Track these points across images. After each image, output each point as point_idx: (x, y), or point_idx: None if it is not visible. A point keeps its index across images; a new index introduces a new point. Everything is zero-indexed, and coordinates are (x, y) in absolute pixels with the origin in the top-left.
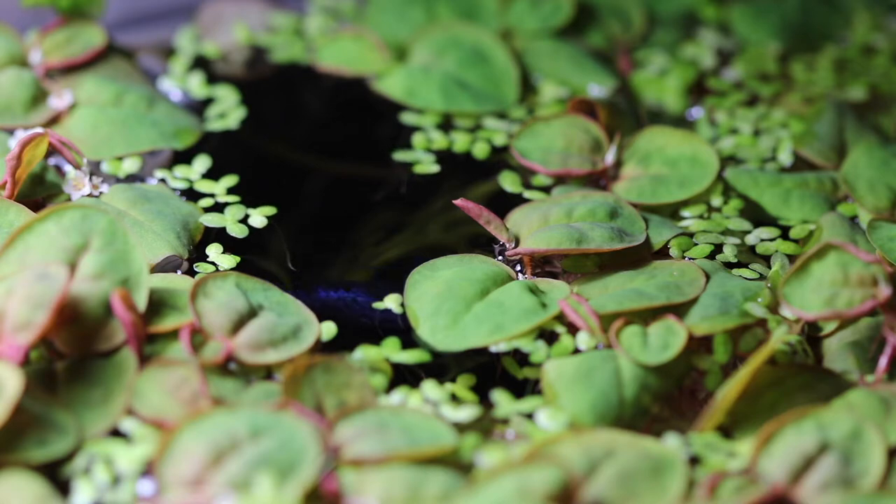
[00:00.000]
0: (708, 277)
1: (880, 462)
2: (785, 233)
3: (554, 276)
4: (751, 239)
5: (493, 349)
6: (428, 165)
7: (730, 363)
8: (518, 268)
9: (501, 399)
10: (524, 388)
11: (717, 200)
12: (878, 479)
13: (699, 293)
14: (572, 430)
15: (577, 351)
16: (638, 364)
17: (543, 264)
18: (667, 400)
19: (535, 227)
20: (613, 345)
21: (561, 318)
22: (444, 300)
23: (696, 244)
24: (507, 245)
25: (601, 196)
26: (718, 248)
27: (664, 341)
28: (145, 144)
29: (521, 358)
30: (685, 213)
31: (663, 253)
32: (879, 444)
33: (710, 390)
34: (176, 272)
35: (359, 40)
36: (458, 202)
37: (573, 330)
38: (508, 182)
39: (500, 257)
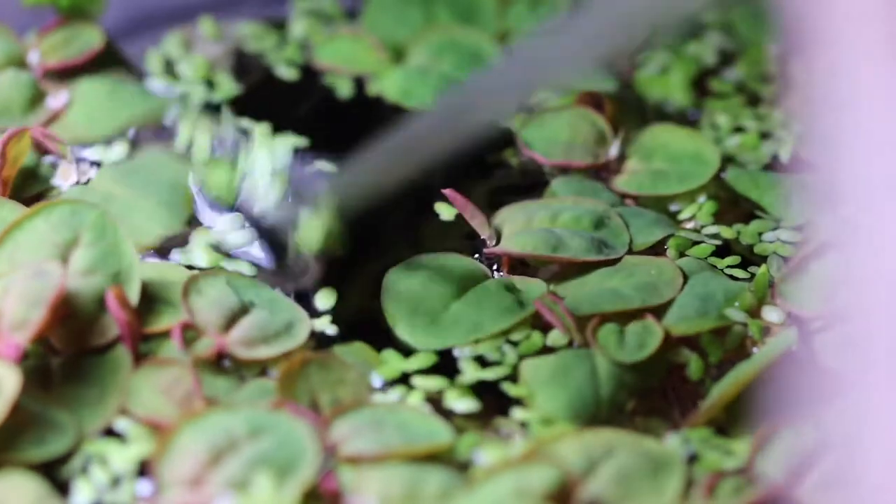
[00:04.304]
0: (686, 278)
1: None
2: (783, 233)
3: (531, 273)
4: (748, 239)
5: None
6: None
7: (711, 361)
8: (495, 266)
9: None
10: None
11: (713, 200)
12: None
13: (675, 295)
14: (549, 428)
15: (552, 350)
16: (614, 362)
17: (521, 262)
18: (645, 398)
19: (518, 227)
20: (590, 343)
21: (538, 316)
22: (421, 300)
23: (688, 242)
24: (488, 242)
25: (591, 204)
26: (711, 248)
27: (641, 340)
28: (138, 121)
29: (497, 357)
30: (680, 210)
31: (658, 250)
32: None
33: (690, 387)
34: (170, 251)
35: (356, 40)
36: (447, 192)
37: (549, 328)
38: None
39: (476, 255)
